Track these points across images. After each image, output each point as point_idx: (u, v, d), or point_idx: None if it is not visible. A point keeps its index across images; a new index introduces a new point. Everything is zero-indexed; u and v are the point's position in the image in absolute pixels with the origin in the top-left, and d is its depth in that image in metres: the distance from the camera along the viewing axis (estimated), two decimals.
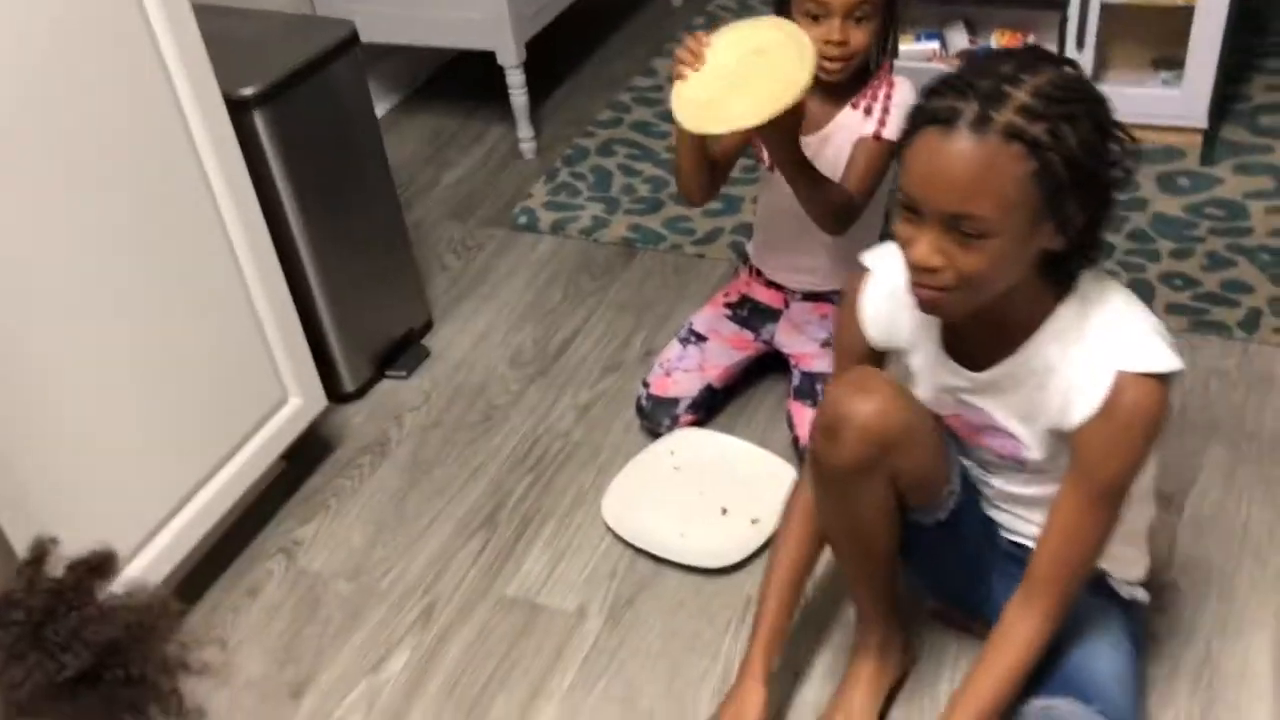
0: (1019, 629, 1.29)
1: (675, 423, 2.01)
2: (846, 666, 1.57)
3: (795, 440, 1.93)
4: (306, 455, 2.06)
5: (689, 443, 1.99)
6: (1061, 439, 1.29)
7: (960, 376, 1.34)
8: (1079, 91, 1.15)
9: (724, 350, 2.05)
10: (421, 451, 2.09)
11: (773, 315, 2.05)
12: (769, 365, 2.10)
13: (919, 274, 1.19)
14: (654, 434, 2.03)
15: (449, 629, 1.77)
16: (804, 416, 1.91)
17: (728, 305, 2.08)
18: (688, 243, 2.50)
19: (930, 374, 1.39)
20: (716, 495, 1.89)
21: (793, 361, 2.00)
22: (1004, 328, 1.27)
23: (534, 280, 2.46)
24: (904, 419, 1.33)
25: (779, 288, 2.04)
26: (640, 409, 2.04)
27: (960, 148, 1.11)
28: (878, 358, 1.43)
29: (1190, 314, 2.15)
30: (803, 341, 2.00)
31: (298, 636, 1.79)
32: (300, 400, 1.94)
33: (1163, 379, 1.20)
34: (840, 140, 1.83)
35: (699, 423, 2.03)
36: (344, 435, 2.14)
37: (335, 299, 2.11)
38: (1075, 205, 1.15)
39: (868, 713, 1.51)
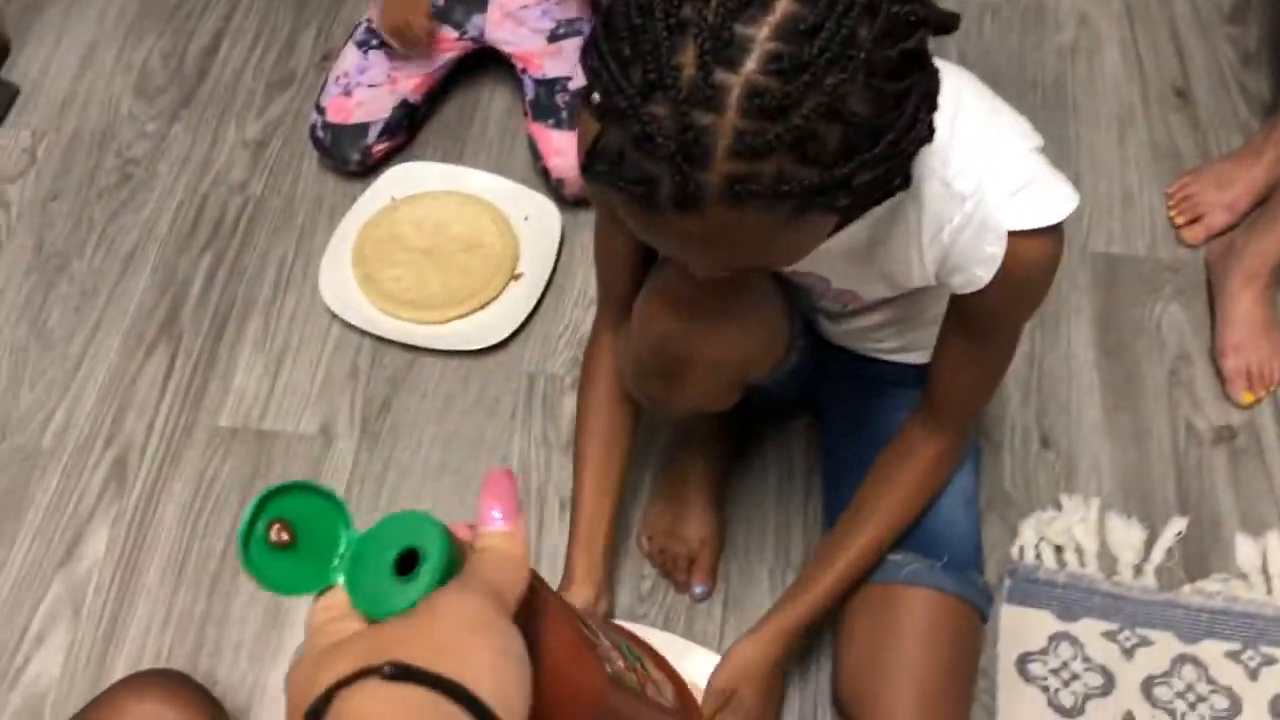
0: (926, 447, 1.06)
1: (367, 156, 1.57)
2: (671, 470, 1.32)
3: (545, 171, 1.55)
4: None
5: (414, 181, 1.57)
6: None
7: None
8: (845, 24, 0.66)
9: (420, 54, 1.59)
10: (47, 238, 1.56)
11: (479, 2, 1.58)
12: (483, 64, 1.66)
13: None
14: (341, 172, 1.59)
15: (155, 488, 1.36)
16: (550, 141, 1.53)
17: None
18: None
19: None
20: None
21: (518, 66, 1.58)
22: None
23: None
24: (760, 332, 1.01)
25: None
26: (317, 141, 1.58)
27: (674, 232, 0.72)
28: None
29: None
30: (524, 35, 1.57)
31: None
32: None
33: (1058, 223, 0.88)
34: None
35: (399, 149, 1.61)
36: None
37: None
38: (877, 170, 0.71)
39: (716, 514, 1.30)
